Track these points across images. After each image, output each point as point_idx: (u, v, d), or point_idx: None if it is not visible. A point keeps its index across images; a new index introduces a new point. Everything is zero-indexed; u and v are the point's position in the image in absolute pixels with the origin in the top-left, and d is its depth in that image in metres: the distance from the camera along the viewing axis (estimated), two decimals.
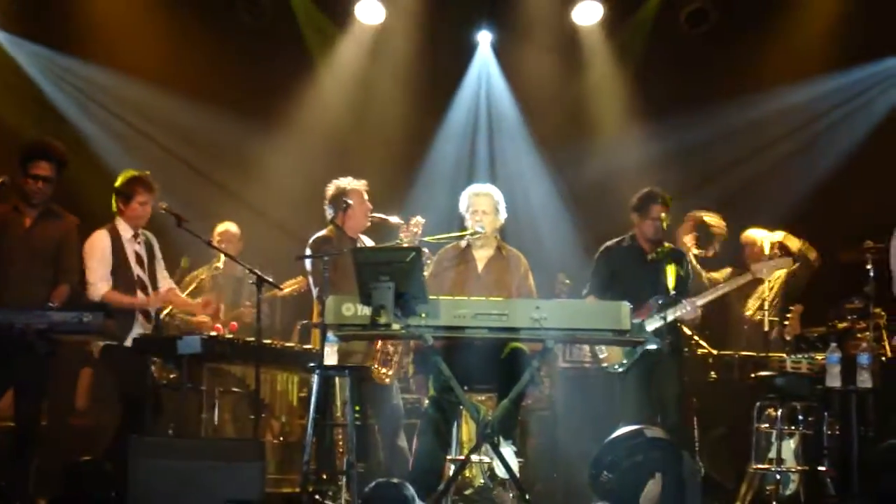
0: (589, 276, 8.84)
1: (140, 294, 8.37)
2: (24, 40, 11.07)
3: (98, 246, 8.35)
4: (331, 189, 8.73)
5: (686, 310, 8.35)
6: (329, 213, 8.69)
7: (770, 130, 11.16)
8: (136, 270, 8.45)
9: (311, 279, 8.66)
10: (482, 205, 8.30)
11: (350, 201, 8.61)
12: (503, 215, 8.38)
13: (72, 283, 8.25)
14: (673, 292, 8.22)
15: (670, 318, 8.32)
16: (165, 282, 8.64)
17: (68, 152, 8.34)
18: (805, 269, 9.37)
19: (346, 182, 8.70)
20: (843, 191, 10.27)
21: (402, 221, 8.56)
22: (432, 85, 11.64)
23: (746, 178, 11.11)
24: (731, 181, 11.11)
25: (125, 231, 8.45)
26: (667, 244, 8.84)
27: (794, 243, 9.45)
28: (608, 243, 8.85)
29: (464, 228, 8.33)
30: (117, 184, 8.51)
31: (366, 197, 8.73)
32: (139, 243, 8.52)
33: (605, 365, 8.52)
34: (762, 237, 9.53)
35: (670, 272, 8.27)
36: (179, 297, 8.76)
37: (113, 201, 8.48)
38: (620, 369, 8.43)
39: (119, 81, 11.22)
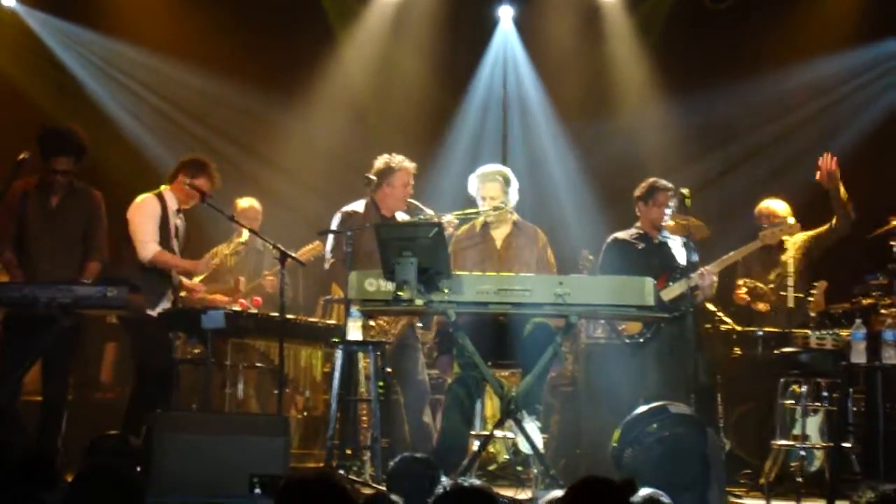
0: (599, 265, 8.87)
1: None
2: (44, 14, 11.10)
3: (149, 207, 8.46)
4: (379, 162, 8.69)
5: (701, 279, 8.35)
6: (370, 185, 8.65)
7: (794, 105, 11.09)
8: (174, 243, 8.50)
9: (326, 248, 8.66)
10: (491, 188, 8.31)
11: (394, 180, 8.59)
12: (515, 193, 8.37)
13: (102, 261, 8.28)
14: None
15: (684, 288, 8.32)
16: None
17: (87, 133, 8.35)
18: (831, 235, 9.24)
19: (398, 160, 8.66)
20: (869, 166, 10.19)
21: (434, 214, 8.53)
22: (453, 60, 11.61)
23: (770, 153, 11.07)
24: (754, 157, 11.07)
25: (171, 203, 8.52)
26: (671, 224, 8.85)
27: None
28: (617, 235, 8.84)
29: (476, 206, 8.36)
30: (187, 159, 8.63)
31: (411, 181, 8.70)
32: (180, 218, 8.59)
33: (625, 336, 8.53)
34: (783, 208, 9.45)
35: (678, 250, 8.36)
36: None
37: (173, 172, 8.54)
38: (640, 339, 8.45)
39: (140, 54, 11.25)
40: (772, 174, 10.82)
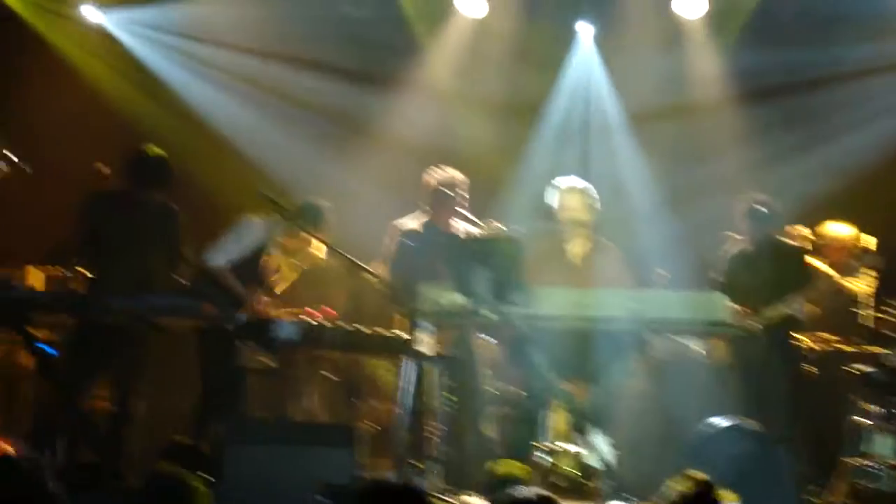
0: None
1: (251, 288, 8.47)
2: (131, 24, 11.26)
3: (247, 231, 8.51)
4: (432, 177, 8.73)
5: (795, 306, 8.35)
6: (425, 200, 8.69)
7: (879, 133, 10.92)
8: (266, 270, 8.56)
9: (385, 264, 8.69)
10: (574, 201, 8.26)
11: (448, 194, 8.61)
12: (595, 209, 8.32)
13: (183, 274, 8.36)
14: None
15: (775, 313, 8.28)
16: None
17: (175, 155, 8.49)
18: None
19: (449, 174, 8.69)
20: None
21: (482, 224, 8.54)
22: (534, 77, 11.59)
23: (854, 175, 10.90)
24: (838, 179, 10.91)
25: (276, 233, 8.55)
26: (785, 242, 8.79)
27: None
28: (730, 251, 8.88)
29: (554, 221, 8.32)
30: (305, 206, 8.63)
31: (463, 193, 8.72)
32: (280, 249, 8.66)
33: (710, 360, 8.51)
34: (849, 234, 9.39)
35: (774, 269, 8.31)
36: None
37: (283, 207, 8.53)
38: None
39: (230, 55, 11.37)
40: (853, 198, 10.62)
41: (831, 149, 10.94)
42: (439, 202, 8.72)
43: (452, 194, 8.66)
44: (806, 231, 9.39)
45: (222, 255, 8.43)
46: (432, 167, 8.85)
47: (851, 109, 10.92)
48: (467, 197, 8.75)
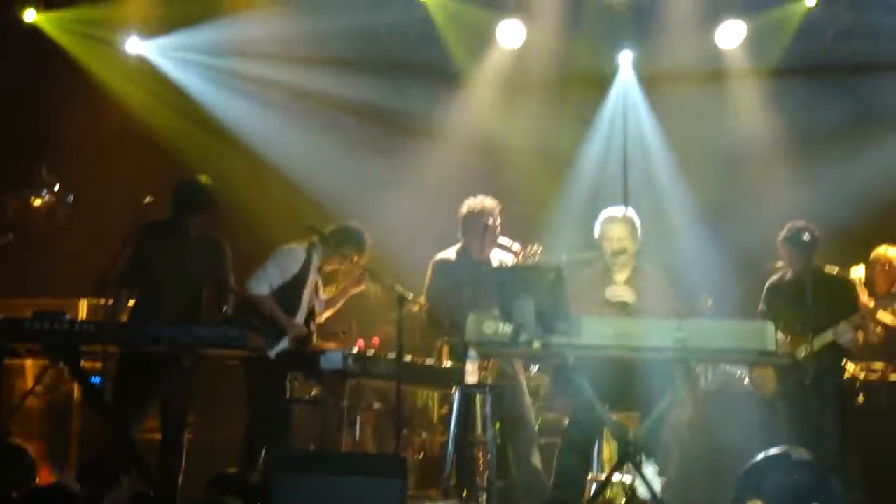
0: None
1: (296, 318, 8.49)
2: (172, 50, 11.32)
3: (288, 259, 8.58)
4: (464, 208, 8.76)
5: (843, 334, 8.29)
6: (460, 231, 8.73)
7: None
8: (307, 297, 8.56)
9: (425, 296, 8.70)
10: (617, 231, 8.23)
11: (483, 223, 8.63)
12: (639, 239, 8.30)
13: (229, 300, 8.38)
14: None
15: (829, 339, 8.26)
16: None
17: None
18: None
19: (479, 202, 8.72)
20: None
21: (520, 248, 8.55)
22: (575, 103, 11.60)
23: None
24: (883, 209, 10.84)
25: (317, 260, 8.55)
26: (828, 272, 8.73)
27: None
28: (772, 279, 8.83)
29: (599, 246, 8.30)
30: (347, 229, 8.72)
31: (497, 221, 8.73)
32: (320, 275, 8.70)
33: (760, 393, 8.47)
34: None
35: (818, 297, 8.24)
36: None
37: (333, 238, 8.62)
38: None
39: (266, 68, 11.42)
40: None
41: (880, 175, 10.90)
42: (470, 230, 8.75)
43: (484, 222, 8.66)
44: (858, 272, 9.29)
45: (265, 283, 8.46)
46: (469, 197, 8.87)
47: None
48: (498, 223, 8.75)
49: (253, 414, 8.42)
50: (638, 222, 8.35)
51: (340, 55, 11.27)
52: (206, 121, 11.33)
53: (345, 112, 11.46)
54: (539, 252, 8.54)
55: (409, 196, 11.17)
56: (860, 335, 8.54)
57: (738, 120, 11.44)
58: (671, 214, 11.20)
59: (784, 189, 10.97)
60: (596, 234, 8.33)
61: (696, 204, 11.25)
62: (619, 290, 8.12)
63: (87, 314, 9.32)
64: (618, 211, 8.42)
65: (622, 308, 8.06)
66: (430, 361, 8.49)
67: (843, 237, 9.69)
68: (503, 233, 8.81)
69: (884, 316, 9.05)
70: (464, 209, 8.82)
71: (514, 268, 8.35)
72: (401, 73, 11.44)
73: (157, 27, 11.21)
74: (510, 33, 11.19)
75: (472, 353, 7.62)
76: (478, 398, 8.07)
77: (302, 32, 11.13)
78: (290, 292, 8.55)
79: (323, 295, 8.86)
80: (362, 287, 8.90)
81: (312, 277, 8.64)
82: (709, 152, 11.42)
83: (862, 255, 9.57)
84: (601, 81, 11.69)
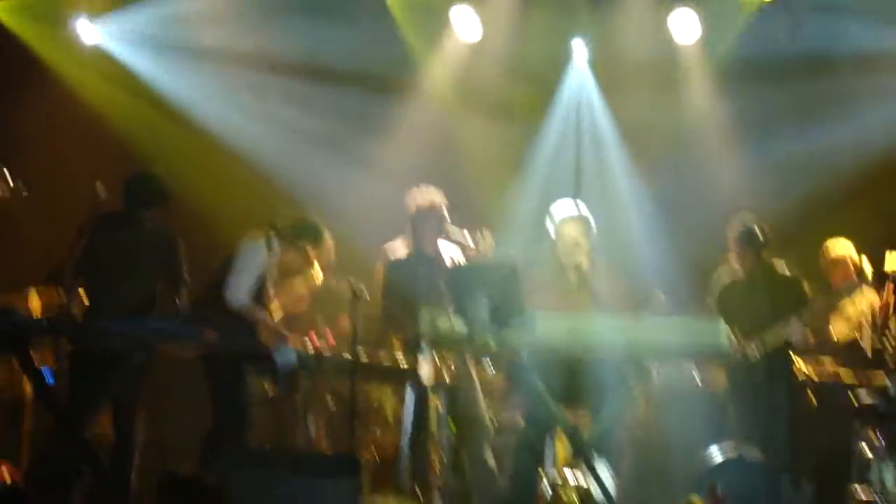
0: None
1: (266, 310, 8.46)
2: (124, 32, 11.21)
3: (252, 257, 8.43)
4: (412, 204, 8.72)
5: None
6: (410, 226, 8.70)
7: (870, 148, 10.91)
8: (269, 287, 8.51)
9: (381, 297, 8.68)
10: (572, 230, 8.21)
11: (435, 218, 8.60)
12: (592, 233, 8.28)
13: (183, 294, 8.34)
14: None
15: (772, 338, 8.30)
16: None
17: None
18: None
19: (427, 198, 8.68)
20: None
21: (473, 245, 8.53)
22: (528, 92, 11.60)
23: (845, 193, 10.89)
24: (829, 197, 10.90)
25: (275, 252, 8.50)
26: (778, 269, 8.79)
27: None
28: (723, 279, 8.89)
29: (552, 244, 8.27)
30: (303, 221, 8.64)
31: (441, 212, 8.72)
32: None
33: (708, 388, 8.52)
34: (856, 255, 9.39)
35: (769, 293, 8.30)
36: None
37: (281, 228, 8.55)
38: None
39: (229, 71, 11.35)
40: (844, 215, 10.61)
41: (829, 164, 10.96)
42: (420, 226, 8.70)
43: (436, 217, 8.64)
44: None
45: (243, 291, 8.33)
46: (413, 188, 8.82)
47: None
48: (447, 217, 8.73)
49: (216, 411, 8.33)
50: (592, 220, 8.34)
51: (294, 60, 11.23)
52: (160, 105, 11.20)
53: (306, 98, 11.37)
54: (488, 240, 8.50)
55: (367, 185, 11.12)
56: (809, 334, 8.59)
57: (689, 108, 11.44)
58: (625, 209, 11.19)
59: (740, 182, 11.00)
60: (551, 233, 8.29)
61: (649, 197, 11.25)
62: (574, 287, 8.12)
63: (40, 305, 9.20)
64: (571, 210, 8.37)
65: (577, 304, 8.07)
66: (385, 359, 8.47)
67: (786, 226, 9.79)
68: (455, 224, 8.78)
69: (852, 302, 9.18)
70: (412, 205, 8.73)
71: (469, 265, 8.34)
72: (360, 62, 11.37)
73: (105, 5, 11.05)
74: (463, 21, 11.11)
75: (425, 349, 7.59)
76: (432, 397, 8.05)
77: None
78: (256, 288, 8.49)
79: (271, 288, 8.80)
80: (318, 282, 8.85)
81: (272, 271, 8.58)
82: (661, 140, 11.42)
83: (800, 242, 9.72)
84: (555, 70, 11.66)
